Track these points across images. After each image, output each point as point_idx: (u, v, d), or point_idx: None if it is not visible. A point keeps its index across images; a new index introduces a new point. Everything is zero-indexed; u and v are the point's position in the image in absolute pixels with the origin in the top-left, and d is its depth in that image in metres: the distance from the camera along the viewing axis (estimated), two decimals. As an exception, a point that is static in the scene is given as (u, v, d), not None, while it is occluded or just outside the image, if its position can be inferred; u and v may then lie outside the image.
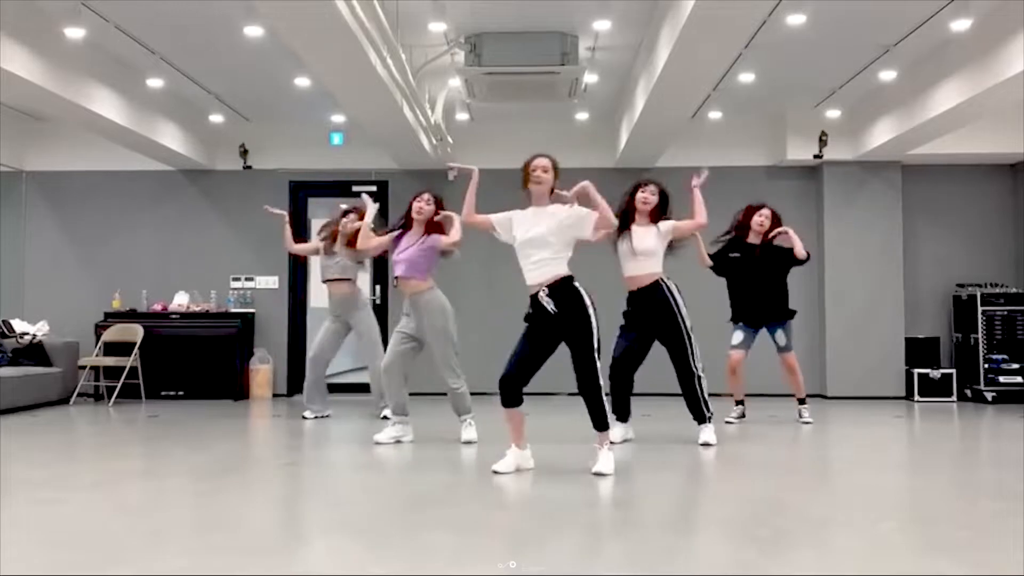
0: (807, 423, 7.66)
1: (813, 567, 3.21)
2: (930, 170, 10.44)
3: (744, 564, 3.30)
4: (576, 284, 4.99)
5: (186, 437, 7.06)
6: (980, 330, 9.83)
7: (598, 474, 4.94)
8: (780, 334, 7.66)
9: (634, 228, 6.22)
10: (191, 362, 9.95)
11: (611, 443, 6.13)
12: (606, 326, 5.14)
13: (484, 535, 3.78)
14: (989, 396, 9.70)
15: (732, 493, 4.88)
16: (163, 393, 9.87)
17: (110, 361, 9.49)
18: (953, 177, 10.52)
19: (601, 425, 5.06)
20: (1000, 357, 9.77)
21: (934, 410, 9.16)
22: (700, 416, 6.28)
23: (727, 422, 7.61)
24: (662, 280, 6.18)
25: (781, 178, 10.53)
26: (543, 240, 4.96)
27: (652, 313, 6.18)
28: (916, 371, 9.97)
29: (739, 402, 7.79)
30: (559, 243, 4.97)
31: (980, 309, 9.86)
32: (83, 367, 9.57)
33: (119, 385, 9.38)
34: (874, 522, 3.98)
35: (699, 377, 6.20)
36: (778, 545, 3.58)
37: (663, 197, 6.27)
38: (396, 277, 6.38)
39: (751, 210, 7.69)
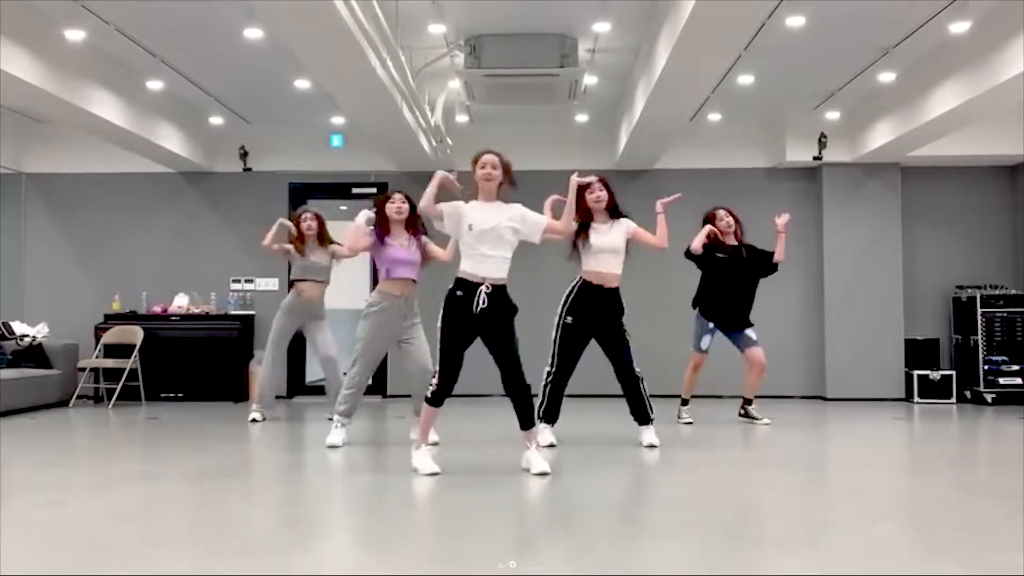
0: (766, 424, 7.62)
1: (811, 568, 3.21)
2: (929, 172, 10.45)
3: (742, 565, 3.30)
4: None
5: (186, 439, 7.06)
6: (980, 332, 9.84)
7: (543, 474, 4.93)
8: (751, 330, 7.64)
9: (596, 226, 6.19)
10: (191, 364, 9.96)
11: (540, 445, 6.16)
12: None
13: (484, 535, 3.78)
14: (989, 397, 9.70)
15: (730, 494, 4.87)
16: (163, 395, 9.88)
17: (110, 363, 9.49)
18: (952, 179, 10.53)
19: (530, 422, 5.10)
20: (1000, 359, 9.77)
21: (934, 412, 9.17)
22: (645, 418, 6.23)
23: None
24: (619, 288, 6.18)
25: (781, 180, 10.54)
26: (501, 238, 5.01)
27: (604, 313, 6.12)
28: (916, 372, 9.97)
29: (686, 401, 7.81)
30: (511, 244, 5.07)
31: (980, 311, 9.86)
32: (83, 369, 9.57)
33: (119, 387, 9.38)
34: (873, 524, 3.98)
35: (641, 379, 6.18)
36: (776, 546, 3.58)
37: (610, 189, 6.27)
38: (396, 278, 6.24)
39: (712, 217, 7.69)
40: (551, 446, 6.09)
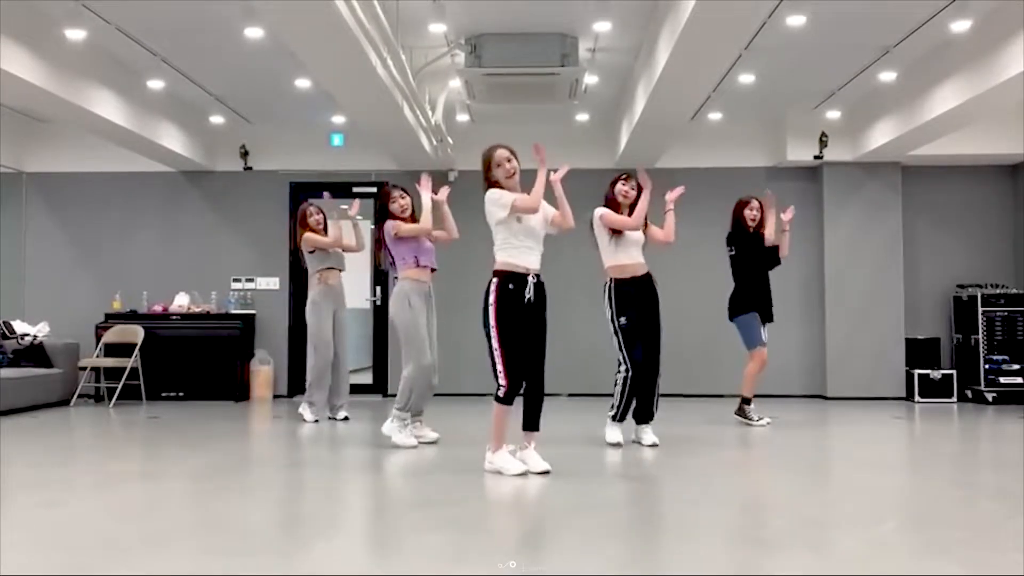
0: (768, 423, 7.53)
1: (812, 568, 3.21)
2: (930, 171, 10.44)
3: (743, 565, 3.31)
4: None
5: (187, 438, 7.06)
6: (980, 331, 9.83)
7: (544, 472, 4.96)
8: (766, 327, 7.62)
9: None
10: (192, 363, 9.96)
11: (615, 444, 6.17)
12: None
13: (484, 535, 3.79)
14: (989, 397, 9.70)
15: (731, 494, 4.88)
16: (163, 394, 9.88)
17: (110, 362, 9.50)
18: (953, 178, 10.53)
19: (535, 425, 5.12)
20: (1000, 358, 9.77)
21: (934, 411, 9.16)
22: (650, 416, 6.25)
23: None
24: (651, 274, 6.25)
25: (781, 179, 10.52)
26: (538, 229, 5.09)
27: (647, 303, 6.19)
28: (916, 372, 9.97)
29: (749, 400, 7.68)
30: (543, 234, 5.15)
31: (980, 310, 9.86)
32: (83, 368, 9.57)
33: (119, 386, 9.38)
34: (873, 523, 3.98)
35: (659, 379, 6.24)
36: (777, 546, 3.58)
37: (638, 192, 6.26)
38: (426, 267, 6.43)
39: (741, 205, 7.68)
40: (617, 445, 6.15)
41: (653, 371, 6.21)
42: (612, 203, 6.27)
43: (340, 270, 7.98)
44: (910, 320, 10.32)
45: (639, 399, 6.24)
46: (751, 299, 7.58)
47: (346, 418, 7.84)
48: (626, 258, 6.21)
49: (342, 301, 7.97)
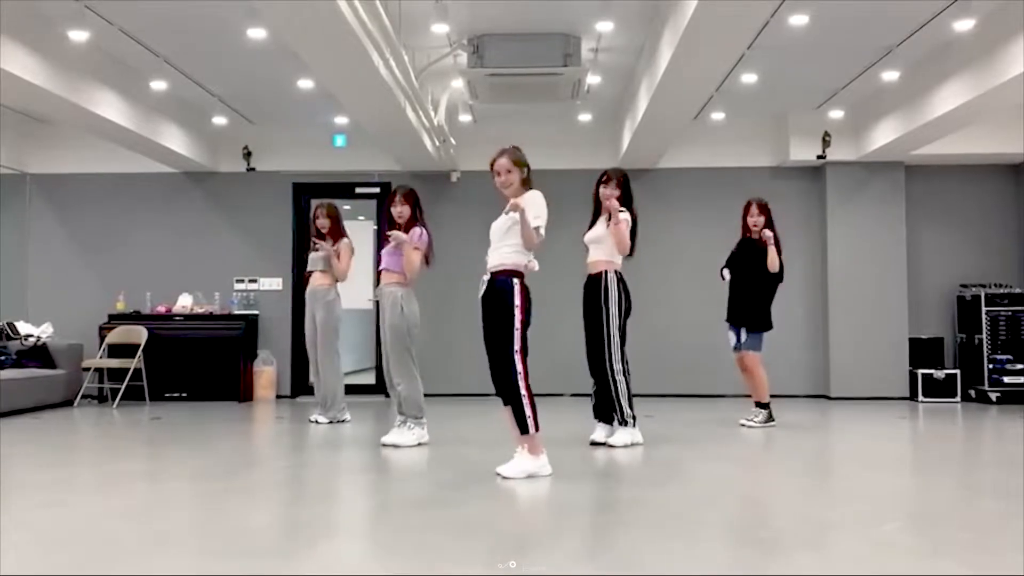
0: (751, 427, 7.39)
1: (815, 568, 3.20)
2: (933, 170, 10.43)
3: (745, 565, 3.30)
4: (514, 280, 4.89)
5: (190, 439, 7.07)
6: (984, 330, 9.82)
7: (498, 475, 4.90)
8: (744, 332, 7.46)
9: (600, 221, 6.25)
10: (195, 364, 9.97)
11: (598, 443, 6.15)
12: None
13: (484, 535, 3.78)
14: (993, 396, 9.69)
15: (733, 494, 4.87)
16: (167, 395, 9.89)
17: (114, 363, 9.51)
18: (956, 177, 10.51)
19: (519, 427, 4.91)
20: (1004, 357, 9.75)
21: (938, 411, 9.15)
22: (608, 415, 6.20)
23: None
24: (607, 272, 6.12)
25: (784, 179, 10.52)
26: (499, 228, 5.01)
27: (586, 299, 6.20)
28: (920, 371, 9.96)
29: (757, 403, 7.59)
30: (513, 231, 4.92)
31: (984, 309, 9.84)
32: (87, 369, 9.59)
33: (123, 387, 9.40)
34: (877, 523, 3.97)
35: (615, 379, 6.08)
36: (780, 546, 3.57)
37: (626, 186, 6.24)
38: (380, 270, 6.52)
39: (746, 208, 7.62)
40: (598, 444, 6.19)
41: (599, 370, 6.13)
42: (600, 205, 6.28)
43: (320, 271, 7.82)
44: (913, 320, 10.31)
45: (598, 398, 6.26)
46: (728, 306, 7.62)
47: (316, 421, 7.79)
48: (588, 258, 6.26)
49: (320, 303, 7.78)
